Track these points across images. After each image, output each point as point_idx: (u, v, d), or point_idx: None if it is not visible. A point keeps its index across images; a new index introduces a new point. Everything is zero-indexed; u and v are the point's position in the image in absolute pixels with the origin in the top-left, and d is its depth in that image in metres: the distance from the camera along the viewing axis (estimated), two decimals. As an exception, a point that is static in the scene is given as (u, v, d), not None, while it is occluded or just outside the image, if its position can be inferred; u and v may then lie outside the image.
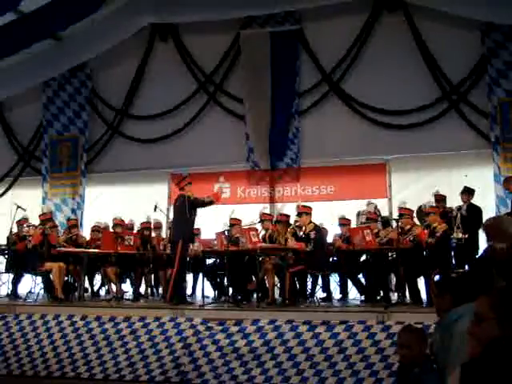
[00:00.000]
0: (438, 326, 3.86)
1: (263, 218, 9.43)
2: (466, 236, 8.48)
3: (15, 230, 10.35)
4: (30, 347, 7.62)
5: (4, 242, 10.84)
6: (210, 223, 10.74)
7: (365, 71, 11.22)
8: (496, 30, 10.37)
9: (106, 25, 11.55)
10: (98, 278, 10.86)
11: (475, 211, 8.85)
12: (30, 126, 13.26)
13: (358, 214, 10.30)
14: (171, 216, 10.14)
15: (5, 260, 10.86)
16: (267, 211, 10.26)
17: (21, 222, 10.31)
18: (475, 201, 9.06)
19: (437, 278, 7.61)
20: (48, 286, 9.45)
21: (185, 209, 8.63)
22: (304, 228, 8.84)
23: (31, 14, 10.63)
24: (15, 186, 13.15)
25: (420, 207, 9.40)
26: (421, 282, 8.26)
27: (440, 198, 9.30)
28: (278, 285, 8.88)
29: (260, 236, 8.89)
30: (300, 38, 11.61)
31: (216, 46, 12.11)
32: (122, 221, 10.41)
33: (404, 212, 8.66)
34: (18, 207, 10.35)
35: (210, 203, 8.92)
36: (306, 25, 11.63)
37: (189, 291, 10.57)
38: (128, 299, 9.71)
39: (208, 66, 12.19)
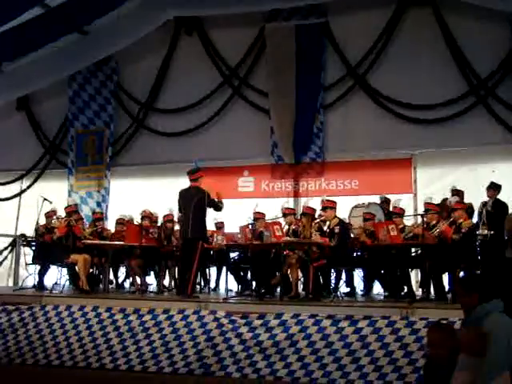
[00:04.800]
0: (464, 324, 3.83)
1: (285, 213, 9.41)
2: (492, 232, 8.37)
3: (42, 221, 10.43)
4: (55, 338, 7.73)
5: (31, 233, 10.99)
6: (233, 217, 10.75)
7: (391, 65, 11.12)
8: (526, 22, 10.20)
9: (131, 18, 11.59)
10: (122, 271, 10.96)
11: (501, 207, 8.71)
12: (56, 119, 13.39)
13: (354, 207, 10.26)
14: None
15: (32, 252, 11.03)
16: (289, 205, 10.24)
17: (49, 214, 10.38)
18: (502, 196, 8.93)
19: (461, 274, 7.56)
20: (73, 277, 9.56)
21: (204, 205, 8.55)
22: (328, 223, 8.80)
23: (57, 8, 10.72)
24: (41, 178, 13.29)
25: (444, 200, 9.29)
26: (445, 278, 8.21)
27: (457, 194, 9.20)
28: (302, 279, 8.87)
29: (284, 230, 8.86)
30: (325, 32, 11.52)
31: (241, 39, 12.09)
32: (151, 214, 10.47)
33: (429, 207, 8.57)
34: (45, 200, 10.45)
35: (222, 208, 8.91)
36: (332, 18, 11.53)
37: (212, 284, 10.64)
38: (152, 292, 9.78)
39: (233, 59, 12.18)
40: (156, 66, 12.69)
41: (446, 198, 9.13)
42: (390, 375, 6.27)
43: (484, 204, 8.97)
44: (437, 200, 9.07)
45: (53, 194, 11.26)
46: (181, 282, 8.87)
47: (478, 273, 7.46)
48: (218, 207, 8.81)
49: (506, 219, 7.49)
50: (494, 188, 8.94)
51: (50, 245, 9.99)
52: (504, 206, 8.75)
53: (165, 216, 10.48)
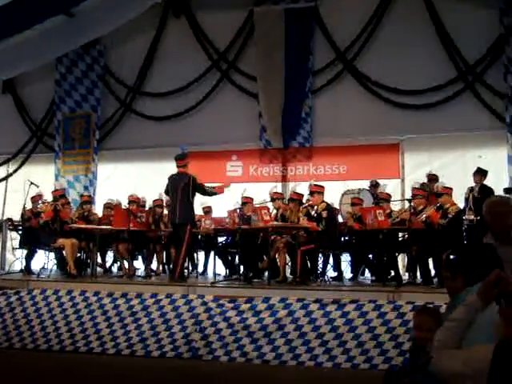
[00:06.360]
0: (449, 308, 3.86)
1: (274, 197, 9.43)
2: (478, 217, 8.43)
3: (29, 206, 10.36)
4: (43, 322, 7.70)
5: (18, 218, 10.91)
6: (221, 201, 10.73)
7: (380, 50, 11.11)
8: (515, 8, 10.20)
9: (118, 1, 11.47)
10: (110, 255, 10.93)
11: (488, 192, 8.78)
12: (42, 102, 13.27)
13: (344, 194, 10.30)
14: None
15: (18, 236, 10.96)
16: (277, 190, 10.25)
17: (35, 198, 10.30)
18: (488, 182, 8.99)
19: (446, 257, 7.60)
20: (61, 262, 9.53)
21: (189, 190, 8.58)
22: (316, 207, 8.83)
23: (44, -10, 10.59)
24: (28, 162, 13.20)
25: (422, 184, 9.37)
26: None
27: (432, 178, 9.24)
28: (290, 263, 8.90)
29: (272, 215, 8.88)
30: (314, 16, 11.47)
31: (229, 22, 12.01)
32: (138, 198, 10.44)
33: (417, 193, 8.61)
34: (31, 184, 10.38)
35: (212, 194, 8.91)
36: (321, 2, 11.49)
37: (200, 269, 10.65)
38: (140, 276, 9.78)
39: (221, 43, 12.11)
40: (144, 49, 12.59)
41: (424, 182, 9.24)
42: (376, 358, 6.33)
43: (471, 189, 9.03)
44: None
45: (40, 178, 11.19)
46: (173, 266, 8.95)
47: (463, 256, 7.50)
48: (205, 192, 8.80)
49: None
50: (480, 173, 9.01)
51: (36, 229, 9.93)
52: (490, 191, 8.81)
53: (154, 200, 10.46)
